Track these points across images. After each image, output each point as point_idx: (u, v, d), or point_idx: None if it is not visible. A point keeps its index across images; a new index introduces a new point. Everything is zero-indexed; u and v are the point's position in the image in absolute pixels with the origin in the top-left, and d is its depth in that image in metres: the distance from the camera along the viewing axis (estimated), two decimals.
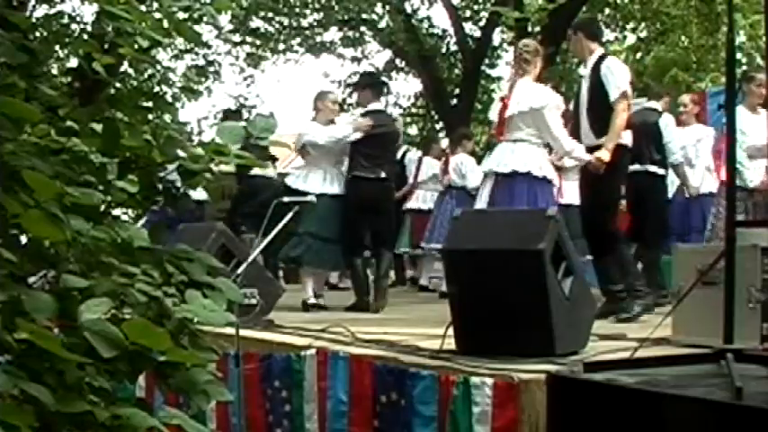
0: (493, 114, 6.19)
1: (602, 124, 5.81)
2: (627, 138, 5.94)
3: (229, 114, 9.23)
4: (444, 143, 10.77)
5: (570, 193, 7.44)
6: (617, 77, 5.81)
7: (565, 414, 2.72)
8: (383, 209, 7.23)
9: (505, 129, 5.91)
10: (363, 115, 7.31)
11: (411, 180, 10.04)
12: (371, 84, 7.76)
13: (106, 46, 2.08)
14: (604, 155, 5.69)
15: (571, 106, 6.34)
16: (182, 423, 1.88)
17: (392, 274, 9.50)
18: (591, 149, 5.82)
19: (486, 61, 16.77)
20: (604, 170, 5.70)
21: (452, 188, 9.24)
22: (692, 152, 7.71)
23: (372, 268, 7.37)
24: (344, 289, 9.37)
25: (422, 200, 9.92)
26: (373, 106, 7.35)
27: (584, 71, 6.05)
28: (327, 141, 7.17)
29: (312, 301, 7.08)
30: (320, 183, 7.13)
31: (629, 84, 5.87)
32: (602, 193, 5.86)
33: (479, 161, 9.12)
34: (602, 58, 5.99)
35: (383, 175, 7.16)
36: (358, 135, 7.10)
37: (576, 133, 6.03)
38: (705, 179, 7.70)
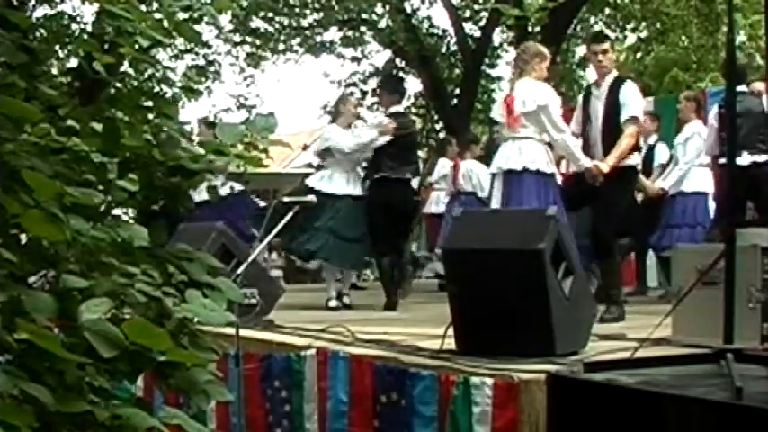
0: (496, 113, 6.23)
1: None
2: (636, 159, 6.02)
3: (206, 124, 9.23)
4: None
5: None
6: (634, 103, 5.88)
7: (565, 414, 2.72)
8: (407, 209, 7.41)
9: (512, 126, 5.96)
10: (389, 116, 7.38)
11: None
12: (393, 87, 7.84)
13: (106, 46, 2.08)
14: (604, 167, 5.73)
15: (573, 126, 6.31)
16: (182, 423, 1.88)
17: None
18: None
19: (486, 61, 16.75)
20: (614, 188, 5.76)
21: (462, 193, 9.24)
22: (679, 151, 7.74)
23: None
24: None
25: (435, 202, 9.91)
26: (395, 109, 7.47)
27: (598, 91, 6.03)
28: (353, 148, 7.22)
29: (333, 303, 7.13)
30: (344, 184, 7.24)
31: (642, 111, 5.93)
32: (612, 212, 5.91)
33: (484, 162, 9.11)
34: (619, 80, 6.00)
35: (408, 176, 7.28)
36: (384, 140, 7.16)
37: (585, 152, 6.02)
38: (695, 177, 7.70)
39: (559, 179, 6.10)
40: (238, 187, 9.12)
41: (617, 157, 5.77)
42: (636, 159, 6.03)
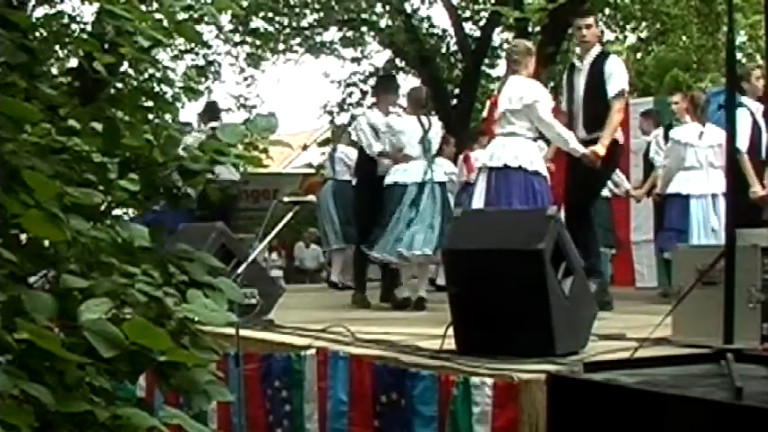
0: (486, 113, 6.29)
1: (596, 120, 5.91)
2: (619, 134, 6.09)
3: (207, 108, 9.20)
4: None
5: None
6: (619, 76, 5.93)
7: (565, 414, 2.72)
8: None
9: (498, 124, 6.00)
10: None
11: None
12: (386, 86, 7.87)
13: (106, 46, 2.08)
14: (600, 150, 5.78)
15: (562, 100, 6.37)
16: (182, 423, 1.88)
17: None
18: (583, 144, 5.89)
19: (486, 61, 16.77)
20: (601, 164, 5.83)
21: (470, 184, 9.23)
22: (664, 153, 7.77)
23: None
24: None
25: None
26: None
27: (581, 64, 6.09)
28: None
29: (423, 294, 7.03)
30: None
31: (627, 83, 5.98)
32: (591, 180, 6.02)
33: None
34: (603, 54, 6.04)
35: None
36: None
37: (570, 127, 6.07)
38: (672, 180, 7.70)
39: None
40: None
41: (609, 136, 5.85)
42: (619, 135, 6.09)
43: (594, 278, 5.71)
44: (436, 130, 7.26)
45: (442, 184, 7.10)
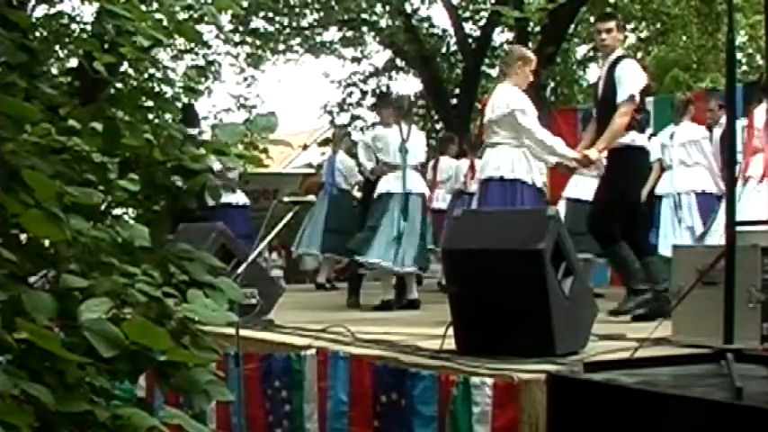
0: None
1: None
2: (642, 140, 5.90)
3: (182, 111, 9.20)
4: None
5: (580, 188, 7.50)
6: (630, 80, 5.73)
7: (565, 414, 2.72)
8: None
9: (485, 134, 6.03)
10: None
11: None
12: (385, 102, 7.93)
13: (106, 45, 2.08)
14: (592, 153, 5.68)
15: (593, 107, 6.30)
16: (182, 423, 1.88)
17: None
18: (610, 150, 5.77)
19: (487, 61, 16.77)
20: (619, 172, 5.71)
21: (465, 193, 9.28)
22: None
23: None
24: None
25: (441, 199, 9.94)
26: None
27: (600, 71, 5.95)
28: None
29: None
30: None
31: (640, 89, 5.77)
32: (614, 194, 5.80)
33: None
34: (620, 58, 5.92)
35: None
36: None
37: (599, 134, 5.84)
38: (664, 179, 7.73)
39: (542, 180, 6.09)
40: (243, 200, 9.23)
41: (607, 140, 5.66)
42: (636, 139, 5.81)
43: (636, 296, 5.61)
44: (417, 140, 7.36)
45: (422, 195, 7.28)
